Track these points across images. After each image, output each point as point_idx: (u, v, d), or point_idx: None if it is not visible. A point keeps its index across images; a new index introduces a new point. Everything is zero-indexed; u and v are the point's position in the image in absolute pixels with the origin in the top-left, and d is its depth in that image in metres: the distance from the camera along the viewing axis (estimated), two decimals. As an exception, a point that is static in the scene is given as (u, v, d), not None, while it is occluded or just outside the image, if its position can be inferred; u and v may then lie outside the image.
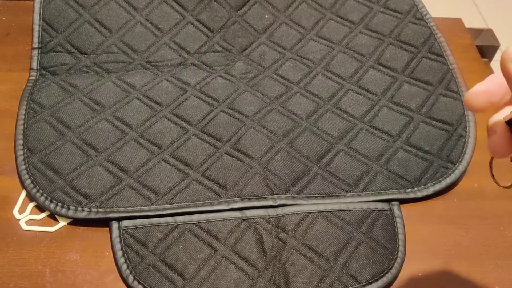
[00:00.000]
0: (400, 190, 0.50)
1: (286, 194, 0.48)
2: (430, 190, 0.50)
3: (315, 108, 0.56)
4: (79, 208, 0.46)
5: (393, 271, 0.45)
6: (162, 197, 0.47)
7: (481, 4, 1.75)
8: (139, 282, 0.43)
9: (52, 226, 0.46)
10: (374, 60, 0.60)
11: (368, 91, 0.57)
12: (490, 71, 0.68)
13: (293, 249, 0.45)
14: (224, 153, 0.51)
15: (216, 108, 0.54)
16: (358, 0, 0.66)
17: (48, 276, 0.43)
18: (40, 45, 0.57)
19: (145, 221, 0.46)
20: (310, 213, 0.47)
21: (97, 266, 0.44)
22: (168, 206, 0.46)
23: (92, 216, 0.45)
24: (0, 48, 0.60)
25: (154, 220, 0.46)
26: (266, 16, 0.63)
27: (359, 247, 0.45)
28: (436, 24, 0.63)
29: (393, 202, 0.49)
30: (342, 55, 0.60)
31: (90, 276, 0.44)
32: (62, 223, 0.46)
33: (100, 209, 0.46)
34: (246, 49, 0.61)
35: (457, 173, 0.51)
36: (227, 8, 0.63)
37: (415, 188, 0.50)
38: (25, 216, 0.46)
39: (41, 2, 0.60)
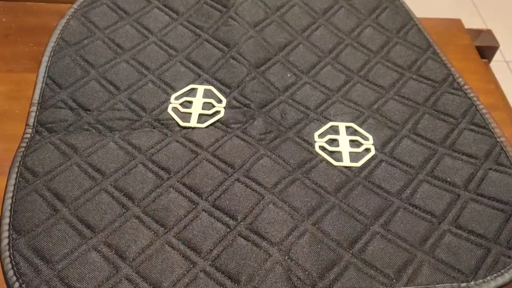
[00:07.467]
0: (453, 284, 0.42)
1: None
2: (491, 284, 0.42)
3: (344, 180, 0.49)
4: None
5: None
6: None
7: (480, 5, 1.75)
8: None
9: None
10: (409, 130, 0.54)
11: (404, 164, 0.51)
12: (490, 72, 0.69)
13: None
14: (238, 235, 0.43)
15: (230, 176, 0.48)
16: (388, 66, 0.61)
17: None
18: (40, 100, 0.52)
19: None
20: None
21: None
22: None
23: None
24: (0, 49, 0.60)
25: None
26: (288, 75, 0.59)
27: None
28: (476, 95, 0.57)
29: None
30: (372, 120, 0.55)
31: None
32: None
33: None
34: (266, 105, 0.55)
35: None
36: (246, 65, 0.58)
37: (472, 282, 0.42)
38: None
39: (49, 57, 0.55)
